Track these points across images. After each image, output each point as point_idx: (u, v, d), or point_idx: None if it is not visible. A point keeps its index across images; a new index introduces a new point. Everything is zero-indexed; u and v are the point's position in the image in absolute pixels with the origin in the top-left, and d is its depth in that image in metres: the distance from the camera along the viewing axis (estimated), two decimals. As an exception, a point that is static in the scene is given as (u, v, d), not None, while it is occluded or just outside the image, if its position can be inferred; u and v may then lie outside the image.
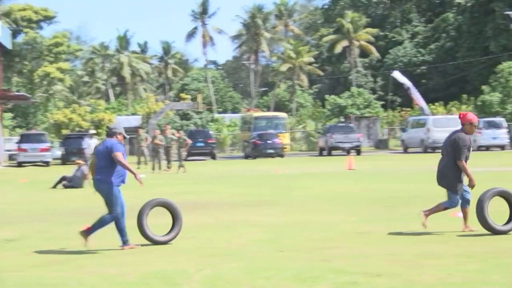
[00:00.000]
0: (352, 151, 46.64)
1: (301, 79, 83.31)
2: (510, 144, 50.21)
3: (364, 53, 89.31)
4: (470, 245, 10.22)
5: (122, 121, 62.32)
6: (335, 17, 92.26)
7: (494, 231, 10.87)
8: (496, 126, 48.75)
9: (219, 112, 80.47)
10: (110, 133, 10.54)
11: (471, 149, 11.20)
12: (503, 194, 11.12)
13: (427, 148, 47.54)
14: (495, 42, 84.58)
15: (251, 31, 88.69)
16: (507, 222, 11.18)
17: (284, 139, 49.67)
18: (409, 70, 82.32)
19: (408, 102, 69.49)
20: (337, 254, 9.76)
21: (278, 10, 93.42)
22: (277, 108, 78.22)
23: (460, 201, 11.25)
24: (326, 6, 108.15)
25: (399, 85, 75.66)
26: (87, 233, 10.51)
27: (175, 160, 33.83)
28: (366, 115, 59.65)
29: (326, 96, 64.64)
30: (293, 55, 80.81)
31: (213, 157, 48.16)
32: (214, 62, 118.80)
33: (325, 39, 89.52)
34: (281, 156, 46.60)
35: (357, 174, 27.42)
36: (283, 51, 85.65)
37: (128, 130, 57.33)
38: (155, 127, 49.75)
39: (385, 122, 63.74)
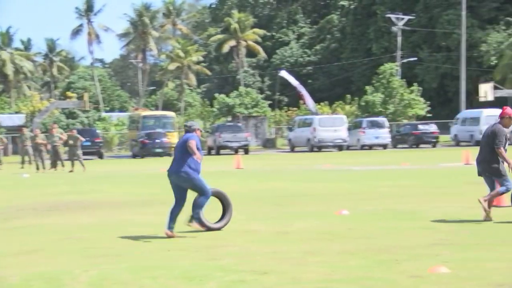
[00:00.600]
0: (240, 150, 46.98)
1: (190, 78, 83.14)
2: (391, 143, 51.79)
3: (251, 53, 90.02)
4: (354, 242, 10.49)
5: (5, 119, 60.44)
6: (222, 17, 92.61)
7: None
8: (379, 125, 50.20)
9: (107, 111, 79.26)
10: (190, 130, 11.61)
11: (508, 140, 12.13)
12: None
13: (314, 147, 48.41)
14: (377, 44, 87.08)
15: (138, 30, 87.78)
16: None
17: (173, 138, 49.45)
18: (296, 70, 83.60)
19: (295, 102, 70.59)
20: (225, 252, 9.80)
21: (166, 8, 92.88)
22: (166, 107, 77.78)
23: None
24: (213, 6, 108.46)
25: (286, 85, 76.77)
26: (191, 220, 11.63)
27: (67, 159, 32.91)
28: (254, 114, 60.15)
29: (215, 95, 64.77)
30: (181, 54, 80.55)
31: (100, 156, 47.48)
32: (101, 61, 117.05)
33: (213, 38, 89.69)
34: (170, 155, 46.31)
35: (245, 173, 27.61)
36: (171, 50, 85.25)
37: (12, 129, 55.20)
38: (39, 126, 48.49)
39: (272, 122, 64.46)
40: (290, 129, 52.67)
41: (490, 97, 57.24)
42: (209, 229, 11.69)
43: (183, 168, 11.39)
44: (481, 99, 58.57)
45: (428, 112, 62.59)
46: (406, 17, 71.19)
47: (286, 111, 68.13)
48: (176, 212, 11.51)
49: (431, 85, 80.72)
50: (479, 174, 12.56)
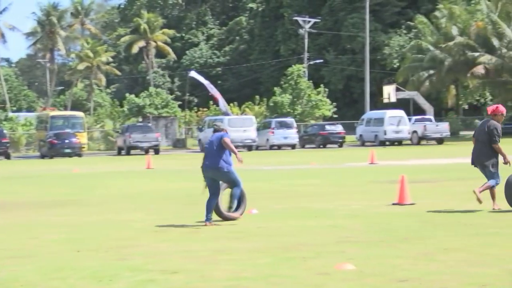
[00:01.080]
0: (151, 150, 46.62)
1: (99, 79, 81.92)
2: (299, 143, 52.40)
3: (161, 54, 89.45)
4: (263, 240, 10.57)
5: None
6: (132, 17, 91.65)
7: None
8: (287, 126, 50.69)
9: (13, 111, 77.17)
10: (219, 129, 12.93)
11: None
12: None
13: (223, 147, 48.46)
14: (285, 46, 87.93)
15: (46, 29, 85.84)
16: None
17: (82, 138, 48.68)
18: (205, 71, 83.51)
19: (205, 103, 70.50)
20: (134, 252, 9.72)
21: (74, 8, 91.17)
22: (74, 107, 76.34)
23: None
24: (122, 6, 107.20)
25: (196, 86, 76.56)
26: (229, 209, 12.57)
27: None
28: (164, 115, 59.79)
29: (125, 96, 64.04)
30: (90, 54, 79.29)
31: (7, 156, 46.27)
32: (7, 60, 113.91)
33: (122, 39, 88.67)
34: (79, 155, 45.63)
35: (155, 173, 27.43)
36: (80, 50, 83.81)
37: None
38: None
39: (182, 122, 64.21)
40: (200, 130, 52.58)
41: (393, 99, 58.81)
42: (227, 219, 12.66)
43: (221, 164, 12.45)
44: (385, 101, 60.15)
45: (334, 113, 63.62)
46: (313, 20, 72.17)
47: (196, 112, 67.97)
48: (212, 203, 12.43)
49: (337, 87, 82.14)
50: (474, 165, 13.39)
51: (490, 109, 13.39)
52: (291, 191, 18.23)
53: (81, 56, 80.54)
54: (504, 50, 56.93)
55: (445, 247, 9.38)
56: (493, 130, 13.00)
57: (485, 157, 13.07)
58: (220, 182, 12.64)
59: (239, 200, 12.80)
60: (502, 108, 13.32)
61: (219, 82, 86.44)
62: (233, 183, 12.61)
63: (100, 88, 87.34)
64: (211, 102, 64.34)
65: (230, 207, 12.60)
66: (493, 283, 7.23)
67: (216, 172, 12.49)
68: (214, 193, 12.51)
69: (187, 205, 15.64)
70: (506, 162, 13.13)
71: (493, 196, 13.18)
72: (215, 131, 12.96)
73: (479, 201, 12.96)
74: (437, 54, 60.30)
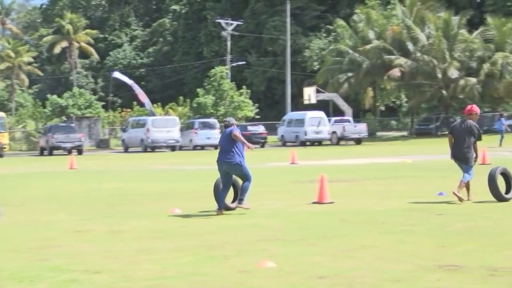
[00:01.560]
0: (74, 150, 45.87)
1: (21, 79, 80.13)
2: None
3: (84, 55, 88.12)
4: (186, 239, 10.54)
5: None
6: (54, 17, 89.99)
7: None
8: (210, 126, 50.63)
9: None
10: (229, 124, 13.58)
11: None
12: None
13: (147, 147, 48.10)
14: (208, 48, 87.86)
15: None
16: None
17: (3, 138, 47.54)
18: (129, 72, 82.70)
19: (128, 103, 69.80)
20: (57, 252, 9.55)
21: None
22: (-4, 108, 74.42)
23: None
24: (45, 6, 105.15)
25: (119, 86, 75.77)
26: (240, 202, 13.43)
27: None
28: (87, 115, 58.91)
29: (47, 96, 62.80)
30: (12, 54, 77.45)
31: None
32: None
33: (44, 39, 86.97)
34: (0, 156, 44.56)
35: (78, 174, 27.02)
36: (1, 49, 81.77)
37: None
38: None
39: (106, 122, 63.43)
40: (124, 130, 52.04)
41: (313, 100, 59.47)
42: (229, 209, 13.48)
43: (235, 158, 13.26)
44: (305, 102, 60.78)
45: (256, 113, 63.92)
46: (235, 23, 72.34)
47: (119, 112, 67.25)
48: (224, 195, 13.33)
49: (259, 88, 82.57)
50: (455, 159, 14.37)
51: (466, 109, 14.46)
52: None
53: (2, 56, 78.59)
54: (418, 54, 58.28)
55: (362, 244, 9.54)
56: (474, 128, 14.03)
57: (468, 153, 14.00)
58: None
59: (235, 194, 13.61)
60: (476, 108, 14.40)
61: (142, 83, 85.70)
62: (244, 177, 13.42)
63: (22, 89, 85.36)
64: (134, 103, 63.73)
65: (241, 199, 13.42)
66: (407, 278, 7.40)
67: (229, 166, 13.31)
68: (226, 185, 13.39)
69: (110, 205, 15.46)
70: (475, 159, 14.26)
71: (468, 188, 14.16)
72: (226, 126, 13.65)
73: (461, 200, 13.78)
74: (356, 57, 61.30)
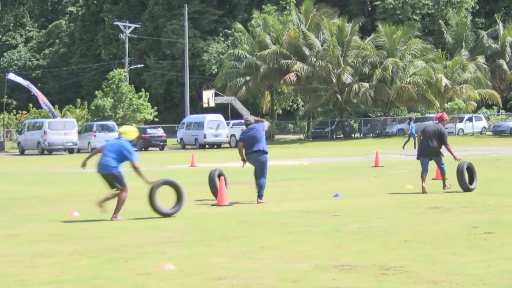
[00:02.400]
0: (-34, 153, 44.29)
1: None
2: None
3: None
4: (84, 243, 10.34)
5: None
6: None
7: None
8: (109, 129, 49.90)
9: None
10: (251, 123, 14.85)
11: None
12: None
13: (44, 150, 46.97)
14: (106, 50, 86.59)
15: None
16: None
17: None
18: (25, 73, 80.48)
19: (24, 105, 67.95)
20: (-50, 259, 9.17)
21: None
22: None
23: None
24: None
25: (14, 88, 73.60)
26: (260, 197, 14.80)
27: None
28: (-19, 117, 57.01)
29: None
30: None
31: None
32: None
33: None
34: None
35: (-29, 177, 26.06)
36: None
37: None
38: None
39: (1, 125, 61.56)
40: (20, 132, 50.63)
41: (212, 103, 59.46)
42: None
43: (266, 151, 14.63)
44: (204, 105, 60.62)
45: (155, 116, 63.47)
46: (133, 25, 71.58)
47: (15, 115, 65.38)
48: (263, 183, 14.75)
49: (158, 91, 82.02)
50: (420, 158, 16.33)
51: (438, 116, 16.65)
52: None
53: None
54: (314, 59, 59.31)
55: (261, 245, 9.62)
56: (444, 133, 16.05)
57: (437, 152, 16.02)
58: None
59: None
60: (446, 116, 16.83)
61: (39, 84, 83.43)
62: (265, 172, 14.73)
63: None
64: (31, 105, 62.11)
65: (259, 195, 14.71)
66: (304, 278, 7.52)
67: (262, 157, 14.54)
68: (260, 174, 14.70)
69: (6, 209, 15.00)
70: (456, 159, 16.10)
71: (444, 179, 16.36)
72: (248, 125, 14.88)
73: (446, 187, 16.30)
74: (253, 61, 61.78)
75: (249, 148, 14.63)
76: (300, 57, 60.71)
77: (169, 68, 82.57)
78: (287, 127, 74.88)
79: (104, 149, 12.65)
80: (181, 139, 53.93)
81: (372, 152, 35.58)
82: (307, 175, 22.87)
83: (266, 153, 14.65)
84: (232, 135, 52.96)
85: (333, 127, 61.60)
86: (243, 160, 14.87)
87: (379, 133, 60.12)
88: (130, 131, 12.93)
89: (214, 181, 15.26)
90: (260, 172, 14.69)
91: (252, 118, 15.13)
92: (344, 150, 41.62)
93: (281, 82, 60.08)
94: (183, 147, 53.43)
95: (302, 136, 65.41)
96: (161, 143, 51.81)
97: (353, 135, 61.91)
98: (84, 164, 13.13)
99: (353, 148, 43.64)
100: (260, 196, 14.73)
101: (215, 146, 53.19)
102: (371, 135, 60.51)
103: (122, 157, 12.57)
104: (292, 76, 58.37)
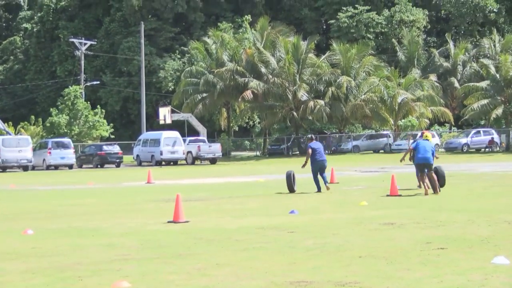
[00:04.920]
0: None
1: None
2: (77, 164, 51.25)
3: None
4: (38, 261, 10.18)
5: None
6: None
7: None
8: (64, 146, 49.39)
9: None
10: (312, 138, 22.59)
11: None
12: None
13: (-2, 167, 46.36)
14: (61, 67, 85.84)
15: None
16: None
17: None
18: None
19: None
20: None
21: None
22: None
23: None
24: None
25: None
26: (319, 189, 21.86)
27: None
28: None
29: None
30: None
31: None
32: None
33: None
34: None
35: None
36: None
37: None
38: None
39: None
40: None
41: (169, 120, 59.23)
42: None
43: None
44: (161, 122, 60.39)
45: (111, 133, 63.00)
46: (89, 42, 71.13)
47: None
48: (323, 178, 22.13)
49: (115, 108, 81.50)
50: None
51: (424, 134, 21.10)
52: (67, 211, 17.75)
53: None
54: (270, 77, 59.55)
55: (216, 262, 9.59)
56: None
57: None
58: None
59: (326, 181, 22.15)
60: (429, 133, 21.51)
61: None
62: (325, 170, 22.20)
63: None
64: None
65: (327, 182, 22.14)
66: (260, 294, 7.49)
67: (325, 164, 22.17)
68: (317, 175, 22.04)
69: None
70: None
71: (434, 186, 20.04)
72: (311, 140, 22.50)
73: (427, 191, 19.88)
74: (210, 78, 61.80)
75: (319, 156, 21.97)
76: (256, 74, 60.93)
77: (126, 85, 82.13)
78: (243, 143, 75.02)
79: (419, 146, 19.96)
80: (138, 156, 53.58)
81: (327, 169, 35.77)
82: (263, 192, 22.90)
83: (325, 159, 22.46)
84: (188, 152, 52.80)
85: (289, 144, 61.85)
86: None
87: (335, 150, 60.54)
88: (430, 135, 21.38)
89: (291, 179, 21.79)
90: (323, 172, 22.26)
91: (312, 136, 22.74)
92: (300, 166, 41.77)
93: (238, 99, 60.16)
94: (140, 164, 53.10)
95: (258, 153, 65.53)
96: (117, 160, 51.40)
97: (308, 152, 62.14)
98: (403, 159, 21.70)
99: (309, 164, 43.86)
100: (326, 182, 22.19)
101: (172, 163, 52.96)
102: (326, 151, 60.91)
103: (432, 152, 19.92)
104: (248, 93, 58.50)
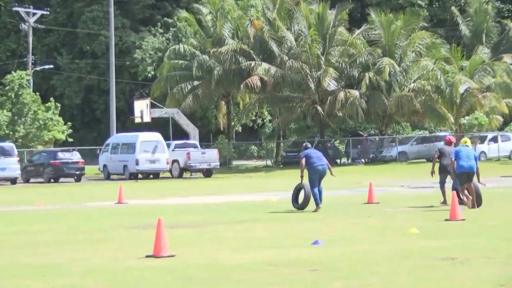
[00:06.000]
0: None
1: None
2: (22, 177, 51.28)
3: None
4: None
5: None
6: None
7: None
8: (5, 153, 49.38)
9: None
10: (308, 146, 25.41)
11: None
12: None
13: None
14: (1, 45, 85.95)
15: None
16: None
17: None
18: None
19: None
20: None
21: None
22: None
23: None
24: None
25: None
26: (318, 203, 23.83)
27: None
28: None
29: None
30: None
31: None
32: None
33: None
34: None
35: None
36: None
37: None
38: None
39: None
40: None
41: (147, 118, 59.27)
42: None
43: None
44: (137, 120, 60.49)
45: (69, 136, 63.09)
46: (39, 12, 71.16)
47: None
48: (316, 192, 23.94)
49: (74, 101, 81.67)
50: (446, 172, 24.17)
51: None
52: (8, 241, 17.78)
53: None
54: (285, 58, 59.43)
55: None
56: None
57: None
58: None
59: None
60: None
61: None
62: (321, 181, 24.18)
63: None
64: None
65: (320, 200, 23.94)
66: None
67: (325, 171, 24.12)
68: (316, 186, 23.89)
69: None
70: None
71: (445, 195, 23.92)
72: (306, 148, 25.05)
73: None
74: (205, 61, 61.75)
75: (317, 161, 24.18)
76: (267, 55, 60.92)
77: (89, 70, 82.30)
78: (249, 149, 75.03)
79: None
80: (105, 166, 53.64)
81: (364, 183, 35.69)
82: (275, 215, 22.88)
83: (327, 168, 24.60)
84: (174, 161, 52.78)
85: (311, 150, 61.77)
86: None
87: (374, 158, 60.48)
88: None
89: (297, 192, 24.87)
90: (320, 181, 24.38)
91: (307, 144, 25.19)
92: (326, 180, 41.55)
93: (242, 89, 60.12)
94: (108, 177, 53.14)
95: (269, 162, 65.52)
96: (77, 172, 51.45)
97: (338, 161, 62.20)
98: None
99: (338, 178, 43.67)
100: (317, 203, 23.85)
101: (151, 176, 52.96)
102: (362, 160, 60.87)
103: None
104: (256, 81, 58.46)
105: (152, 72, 75.38)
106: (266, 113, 73.25)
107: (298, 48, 59.54)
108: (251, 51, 60.69)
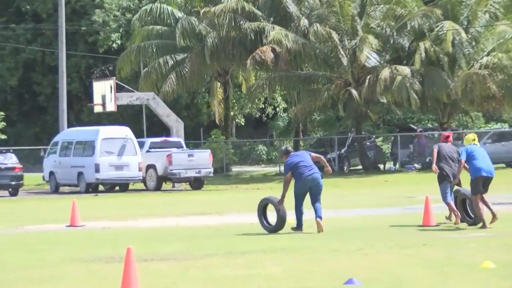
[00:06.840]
0: None
1: None
2: None
3: None
4: None
5: None
6: None
7: None
8: None
9: None
10: (290, 150, 26.12)
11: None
12: None
13: None
14: None
15: None
16: None
17: None
18: None
19: None
20: None
21: None
22: None
23: None
24: None
25: None
26: (300, 226, 25.18)
27: None
28: None
29: None
30: None
31: None
32: None
33: None
34: None
35: None
36: None
37: None
38: None
39: None
40: None
41: (112, 106, 59.11)
42: None
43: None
44: (97, 109, 60.41)
45: (2, 131, 63.33)
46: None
47: None
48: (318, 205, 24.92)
49: (8, 82, 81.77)
50: (451, 179, 25.83)
51: (444, 135, 26.88)
52: None
53: None
54: (305, 22, 59.40)
55: None
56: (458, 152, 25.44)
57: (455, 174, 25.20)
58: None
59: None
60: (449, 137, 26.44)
61: None
62: (320, 193, 24.94)
63: None
64: None
65: (319, 217, 24.62)
66: None
67: (319, 182, 24.76)
68: (302, 204, 24.81)
69: None
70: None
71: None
72: (288, 152, 25.58)
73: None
74: (193, 26, 61.81)
75: (306, 171, 24.83)
76: (280, 18, 61.05)
77: (29, 39, 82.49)
78: (255, 150, 75.01)
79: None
80: (52, 174, 53.70)
81: (417, 198, 35.72)
82: (292, 243, 22.91)
83: (320, 177, 25.44)
84: (149, 167, 52.77)
85: (343, 150, 61.94)
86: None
87: (431, 162, 60.41)
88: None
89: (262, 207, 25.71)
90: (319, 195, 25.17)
91: (289, 147, 26.60)
92: (364, 193, 41.42)
93: (246, 65, 60.06)
94: (56, 189, 53.26)
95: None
96: (13, 182, 51.52)
97: (381, 166, 62.30)
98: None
99: (381, 190, 43.56)
100: (320, 218, 24.65)
101: (117, 188, 53.06)
102: (415, 166, 60.83)
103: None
104: (266, 53, 58.45)
105: (118, 42, 75.57)
106: (279, 99, 73.46)
107: (324, 7, 59.64)
108: (259, 12, 60.75)
